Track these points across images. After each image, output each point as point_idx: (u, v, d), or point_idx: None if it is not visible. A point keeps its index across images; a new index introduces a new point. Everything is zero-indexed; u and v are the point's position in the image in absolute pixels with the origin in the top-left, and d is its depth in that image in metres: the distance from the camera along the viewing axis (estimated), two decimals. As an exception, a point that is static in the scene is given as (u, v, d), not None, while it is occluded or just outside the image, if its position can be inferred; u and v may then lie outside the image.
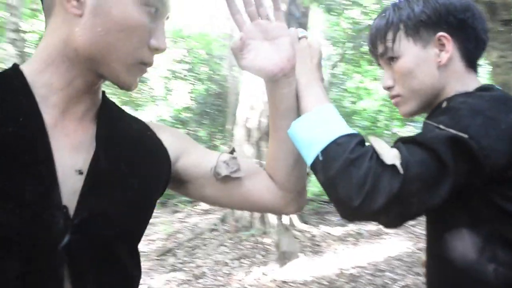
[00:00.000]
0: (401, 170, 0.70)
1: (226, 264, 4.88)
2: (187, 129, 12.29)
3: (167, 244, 5.80)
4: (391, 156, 0.72)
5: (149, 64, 0.75)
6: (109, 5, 0.69)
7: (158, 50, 0.74)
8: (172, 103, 13.54)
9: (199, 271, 4.65)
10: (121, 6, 0.69)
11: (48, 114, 0.71)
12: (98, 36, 0.70)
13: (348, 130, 0.77)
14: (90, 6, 0.69)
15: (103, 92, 0.82)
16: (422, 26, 0.92)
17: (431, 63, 0.92)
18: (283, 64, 0.82)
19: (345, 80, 11.74)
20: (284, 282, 4.20)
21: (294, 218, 5.91)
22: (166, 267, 4.90)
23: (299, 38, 0.89)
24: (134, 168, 0.77)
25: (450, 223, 0.84)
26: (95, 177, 0.71)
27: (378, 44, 0.97)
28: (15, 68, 0.72)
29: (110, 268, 0.71)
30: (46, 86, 0.72)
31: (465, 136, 0.73)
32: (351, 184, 0.70)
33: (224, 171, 0.82)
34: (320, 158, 0.74)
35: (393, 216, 0.73)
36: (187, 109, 12.97)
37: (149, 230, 7.11)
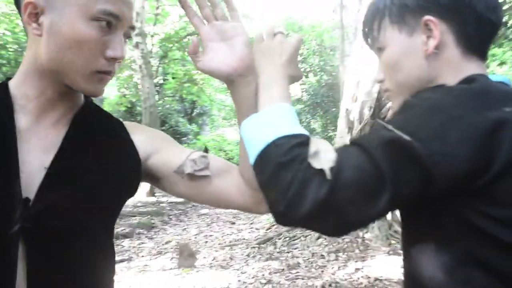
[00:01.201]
0: (328, 176, 0.63)
1: (322, 256, 4.87)
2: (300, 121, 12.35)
3: (269, 233, 5.96)
4: (323, 159, 0.65)
5: (108, 72, 0.81)
6: (60, 24, 0.77)
7: (115, 59, 0.81)
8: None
9: (293, 262, 4.71)
10: (70, 24, 0.77)
11: (24, 120, 0.82)
12: (55, 53, 0.78)
13: (292, 130, 0.71)
14: (46, 27, 0.78)
15: (86, 98, 0.92)
16: (407, 11, 0.81)
17: (417, 52, 0.81)
18: (236, 64, 0.82)
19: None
20: (377, 279, 4.06)
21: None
22: (263, 255, 5.06)
23: (275, 34, 0.86)
24: (99, 166, 0.84)
25: (419, 240, 0.75)
26: (55, 173, 0.80)
27: (368, 34, 0.89)
28: (4, 82, 0.85)
29: (66, 258, 0.80)
30: (24, 96, 0.83)
31: (408, 139, 0.64)
32: (278, 188, 0.66)
33: (188, 169, 0.86)
34: (258, 160, 0.70)
35: (329, 224, 0.66)
36: (299, 100, 13.07)
37: (254, 219, 7.42)
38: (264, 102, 0.77)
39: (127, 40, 0.86)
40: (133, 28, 0.85)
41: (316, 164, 0.64)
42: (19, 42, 11.79)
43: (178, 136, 15.67)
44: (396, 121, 0.68)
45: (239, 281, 4.27)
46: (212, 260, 5.15)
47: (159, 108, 14.16)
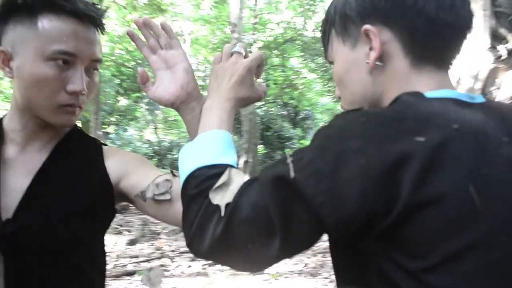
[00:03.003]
0: (222, 212, 0.61)
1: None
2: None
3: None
4: (224, 195, 0.63)
5: (71, 105, 0.88)
6: (22, 68, 0.86)
7: (75, 92, 0.87)
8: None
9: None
10: (29, 66, 0.86)
11: (12, 150, 0.94)
12: (23, 92, 0.88)
13: (214, 161, 0.69)
14: (15, 71, 0.88)
15: (75, 126, 1.00)
16: (349, 21, 0.72)
17: (361, 66, 0.71)
18: (178, 92, 0.84)
19: None
20: None
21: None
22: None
23: (231, 54, 0.85)
24: (71, 191, 0.92)
25: (341, 278, 0.68)
26: (30, 195, 0.89)
27: (324, 47, 0.82)
28: (1, 118, 0.98)
29: (40, 273, 0.88)
30: (12, 130, 0.95)
31: (292, 176, 0.58)
32: (186, 222, 0.66)
33: (149, 194, 0.89)
34: (181, 191, 0.70)
35: (234, 261, 0.64)
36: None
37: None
38: (200, 129, 0.77)
39: (96, 71, 0.93)
40: (97, 60, 0.91)
41: (215, 199, 0.63)
42: (135, 59, 12.99)
43: (283, 140, 15.85)
44: (298, 153, 0.62)
45: (324, 289, 4.20)
46: (303, 266, 5.13)
47: (263, 114, 14.49)
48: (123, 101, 16.33)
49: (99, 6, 0.93)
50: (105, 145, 1.03)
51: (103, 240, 1.02)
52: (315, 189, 0.56)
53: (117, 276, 4.85)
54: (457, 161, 0.55)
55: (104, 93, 12.66)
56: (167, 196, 0.90)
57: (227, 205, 0.62)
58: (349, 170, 0.55)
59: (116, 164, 0.96)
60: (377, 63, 0.69)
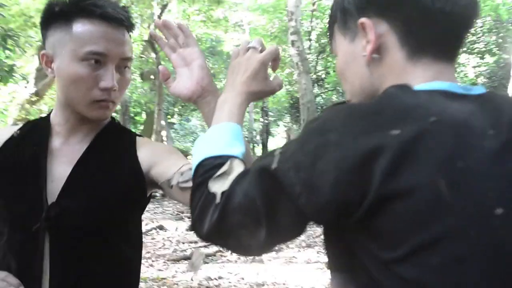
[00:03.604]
0: (217, 199, 0.65)
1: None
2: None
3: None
4: (223, 183, 0.67)
5: (104, 100, 0.97)
6: (60, 68, 0.96)
7: (107, 88, 0.96)
8: (458, 80, 12.56)
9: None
10: (66, 66, 0.95)
11: (57, 141, 1.04)
12: (63, 90, 0.99)
13: (221, 151, 0.72)
14: (56, 71, 0.98)
15: (113, 119, 1.10)
16: (348, 15, 0.72)
17: (359, 59, 0.71)
18: (194, 87, 0.90)
19: None
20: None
21: None
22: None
23: (247, 49, 0.88)
24: (106, 178, 1.00)
25: (332, 267, 0.69)
26: (71, 182, 0.99)
27: (329, 41, 0.82)
28: (47, 114, 1.09)
29: (80, 251, 0.97)
30: (57, 123, 1.05)
31: (273, 167, 0.61)
32: (191, 207, 0.70)
33: (173, 181, 0.96)
34: (192, 179, 0.74)
35: (230, 245, 0.68)
36: (474, 85, 11.78)
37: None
38: (213, 122, 0.82)
39: (127, 68, 1.01)
40: (127, 59, 0.99)
41: (214, 187, 0.67)
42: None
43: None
44: (287, 144, 0.65)
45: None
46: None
47: (322, 102, 14.34)
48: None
49: (128, 9, 1.01)
50: (140, 136, 1.11)
51: (138, 222, 1.11)
52: (293, 179, 0.59)
53: (177, 260, 5.09)
54: (430, 155, 0.55)
55: (167, 84, 13.09)
56: (190, 184, 0.96)
57: (223, 193, 0.66)
58: (325, 162, 0.57)
59: (147, 154, 1.04)
60: (374, 55, 0.69)
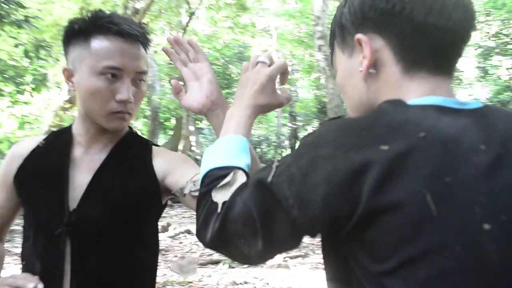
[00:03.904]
0: (219, 209, 0.67)
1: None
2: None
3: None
4: (225, 193, 0.69)
5: (121, 112, 1.02)
6: (80, 82, 1.02)
7: (123, 101, 1.01)
8: (491, 83, 12.19)
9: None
10: (85, 80, 1.01)
11: (78, 151, 1.10)
12: (82, 102, 1.05)
13: (226, 162, 0.75)
14: (76, 85, 1.04)
15: (131, 129, 1.15)
16: (346, 31, 0.74)
17: (356, 74, 0.73)
18: (203, 101, 0.94)
19: None
20: None
21: None
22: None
23: (256, 64, 0.91)
24: (123, 186, 1.06)
25: (327, 275, 0.71)
26: (91, 190, 1.04)
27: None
28: (70, 125, 1.16)
29: (99, 255, 1.03)
30: (78, 134, 1.11)
31: (269, 180, 0.63)
32: (197, 216, 0.73)
33: (186, 190, 0.99)
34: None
35: (231, 254, 0.70)
36: (508, 88, 11.43)
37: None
38: (221, 134, 0.85)
39: (142, 81, 1.06)
40: (142, 72, 1.04)
41: (216, 198, 0.70)
42: (224, 56, 13.45)
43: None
44: (284, 158, 0.67)
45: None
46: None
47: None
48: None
49: (144, 25, 1.06)
50: (157, 145, 1.16)
51: (155, 228, 1.16)
52: (286, 192, 0.61)
53: (203, 264, 5.15)
54: (418, 170, 0.56)
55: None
56: None
57: (224, 203, 0.69)
58: (317, 176, 0.59)
59: (161, 163, 1.09)
60: (371, 70, 0.71)
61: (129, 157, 1.11)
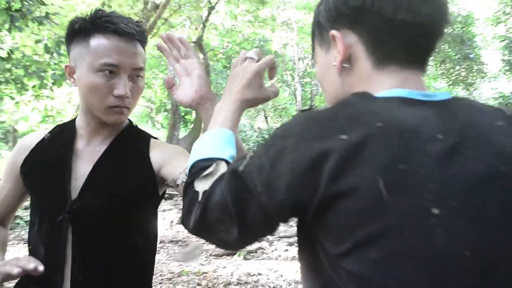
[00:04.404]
0: (199, 198, 0.71)
1: None
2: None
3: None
4: (207, 183, 0.73)
5: (118, 106, 1.08)
6: (80, 78, 1.08)
7: (120, 96, 1.06)
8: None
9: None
10: (83, 77, 1.07)
11: (81, 143, 1.17)
12: (82, 97, 1.11)
13: (212, 154, 0.79)
14: (77, 81, 1.10)
15: (130, 123, 1.21)
16: (322, 28, 0.77)
17: (332, 69, 0.76)
18: (193, 95, 0.99)
19: None
20: None
21: None
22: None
23: (245, 59, 0.94)
24: (121, 177, 1.11)
25: (300, 261, 0.74)
26: (90, 181, 1.10)
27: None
28: (73, 119, 1.22)
29: (99, 240, 1.09)
30: (81, 127, 1.17)
31: (241, 169, 0.67)
32: (182, 205, 0.77)
33: (179, 181, 1.04)
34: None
35: (212, 240, 0.75)
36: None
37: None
38: (209, 128, 0.90)
39: (139, 77, 1.12)
40: (139, 69, 1.10)
41: (198, 187, 0.74)
42: (245, 49, 13.47)
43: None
44: (257, 149, 0.70)
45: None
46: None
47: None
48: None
49: (141, 24, 1.11)
50: (155, 138, 1.22)
51: (153, 216, 1.21)
52: (256, 180, 0.64)
53: (219, 256, 5.24)
54: (373, 157, 0.58)
55: (216, 84, 13.40)
56: None
57: (205, 192, 0.73)
58: (283, 165, 0.62)
59: (158, 155, 1.15)
60: (345, 65, 0.73)
61: (128, 149, 1.17)
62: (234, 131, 0.89)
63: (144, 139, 1.20)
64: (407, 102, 0.66)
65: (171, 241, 5.86)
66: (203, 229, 0.73)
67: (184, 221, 0.77)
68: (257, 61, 0.95)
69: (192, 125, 15.13)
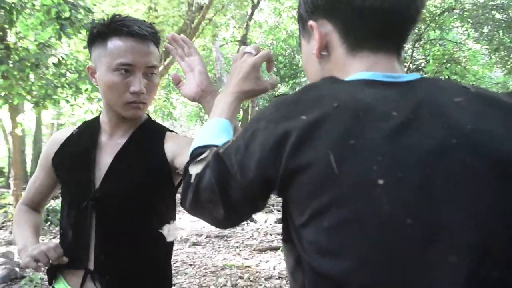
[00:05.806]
0: (192, 180, 0.78)
1: None
2: None
3: None
4: (199, 166, 0.79)
5: (134, 102, 1.18)
6: (100, 78, 1.19)
7: (136, 92, 1.16)
8: None
9: None
10: (103, 76, 1.18)
11: (104, 137, 1.29)
12: (103, 95, 1.22)
13: (209, 142, 0.86)
14: (98, 80, 1.21)
15: (149, 117, 1.32)
16: (303, 19, 0.83)
17: (313, 57, 0.81)
18: (195, 89, 1.07)
19: None
20: None
21: None
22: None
23: (244, 54, 1.01)
24: (139, 167, 1.21)
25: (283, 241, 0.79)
26: (111, 171, 1.21)
27: None
28: (98, 116, 1.33)
29: (120, 227, 1.20)
30: (104, 122, 1.29)
31: (220, 151, 0.74)
32: (182, 189, 0.85)
33: None
34: None
35: (207, 218, 0.81)
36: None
37: None
38: (209, 118, 0.98)
39: (153, 75, 1.21)
40: (152, 67, 1.19)
41: (192, 170, 0.82)
42: (289, 47, 13.46)
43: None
44: (238, 132, 0.77)
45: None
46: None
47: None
48: (281, 88, 17.14)
49: (153, 25, 1.21)
50: (171, 131, 1.31)
51: (170, 204, 1.31)
52: (232, 160, 0.71)
53: (262, 250, 5.33)
54: (327, 134, 0.64)
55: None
56: None
57: (197, 175, 0.80)
58: (254, 145, 0.69)
59: (171, 147, 1.24)
60: (323, 53, 0.79)
61: (146, 141, 1.27)
62: (231, 120, 0.96)
63: (161, 131, 1.29)
64: (369, 84, 0.71)
65: (217, 236, 6.03)
66: (197, 209, 0.81)
67: (181, 202, 0.85)
68: (255, 55, 1.02)
69: (240, 123, 15.38)
